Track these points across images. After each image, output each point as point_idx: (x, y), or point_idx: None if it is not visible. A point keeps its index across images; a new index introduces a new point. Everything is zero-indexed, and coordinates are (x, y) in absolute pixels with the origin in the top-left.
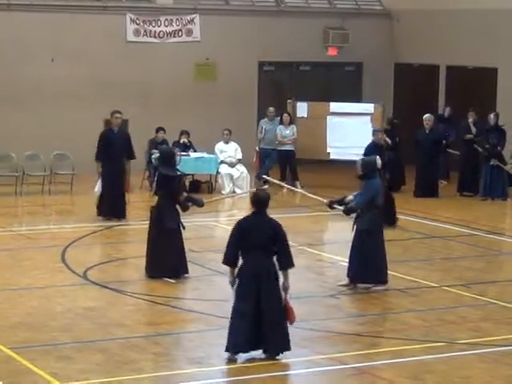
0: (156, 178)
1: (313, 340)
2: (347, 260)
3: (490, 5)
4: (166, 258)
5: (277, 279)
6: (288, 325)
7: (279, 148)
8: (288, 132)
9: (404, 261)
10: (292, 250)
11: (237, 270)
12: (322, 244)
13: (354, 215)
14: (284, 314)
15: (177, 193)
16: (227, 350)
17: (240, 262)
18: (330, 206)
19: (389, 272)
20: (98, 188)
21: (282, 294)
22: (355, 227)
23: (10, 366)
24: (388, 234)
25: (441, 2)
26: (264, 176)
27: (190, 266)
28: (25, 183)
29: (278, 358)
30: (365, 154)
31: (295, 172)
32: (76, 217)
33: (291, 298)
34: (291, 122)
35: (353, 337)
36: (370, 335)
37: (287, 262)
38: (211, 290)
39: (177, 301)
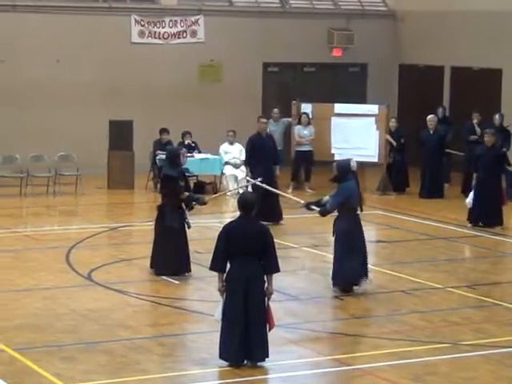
0: (160, 178)
1: (317, 341)
2: None
3: (495, 6)
4: (167, 256)
5: (264, 284)
6: (267, 330)
7: (297, 148)
8: (306, 132)
9: (408, 262)
10: (296, 251)
11: (225, 275)
12: (326, 245)
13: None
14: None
15: (178, 192)
16: (220, 357)
17: (228, 266)
18: (307, 207)
19: (393, 273)
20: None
21: (266, 299)
22: (334, 230)
23: (13, 367)
24: (392, 235)
25: (445, 3)
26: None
27: (194, 267)
28: (29, 184)
29: (259, 364)
30: (477, 155)
31: (309, 173)
32: (81, 218)
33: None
34: (309, 123)
35: (357, 338)
36: (374, 336)
37: (273, 267)
38: (215, 291)
39: (181, 302)
